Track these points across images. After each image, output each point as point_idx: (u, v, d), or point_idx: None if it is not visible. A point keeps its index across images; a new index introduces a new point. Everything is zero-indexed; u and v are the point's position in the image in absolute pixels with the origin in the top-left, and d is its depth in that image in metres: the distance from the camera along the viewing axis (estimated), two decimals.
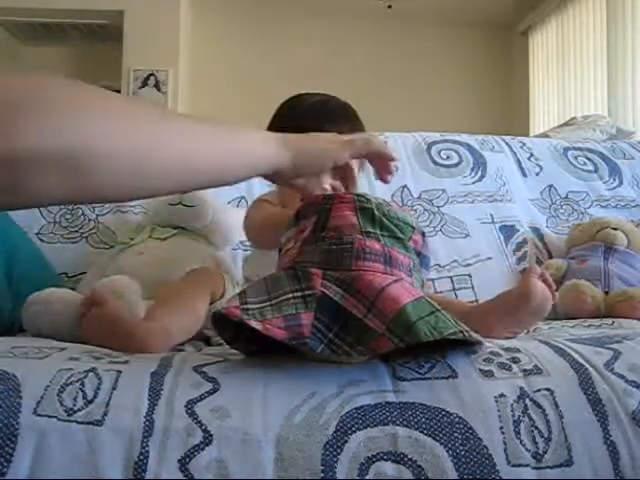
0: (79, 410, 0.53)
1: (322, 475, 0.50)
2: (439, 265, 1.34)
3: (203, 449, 0.51)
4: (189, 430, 0.52)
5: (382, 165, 0.82)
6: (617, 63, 4.02)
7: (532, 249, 1.42)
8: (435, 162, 1.55)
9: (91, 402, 0.53)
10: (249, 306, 0.60)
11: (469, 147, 1.61)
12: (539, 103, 5.34)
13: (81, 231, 1.35)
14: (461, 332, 0.59)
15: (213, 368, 0.59)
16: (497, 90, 5.92)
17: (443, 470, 0.51)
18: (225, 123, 0.71)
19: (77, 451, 0.50)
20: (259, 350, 0.63)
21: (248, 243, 1.19)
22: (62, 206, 1.35)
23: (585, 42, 4.57)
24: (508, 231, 1.43)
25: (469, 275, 1.34)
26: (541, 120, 5.25)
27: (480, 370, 0.59)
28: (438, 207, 1.45)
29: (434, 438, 0.52)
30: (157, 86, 5.16)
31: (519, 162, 1.61)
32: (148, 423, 0.52)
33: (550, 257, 1.41)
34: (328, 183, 0.79)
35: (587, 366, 0.60)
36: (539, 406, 0.55)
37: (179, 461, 0.50)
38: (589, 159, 1.66)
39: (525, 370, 0.59)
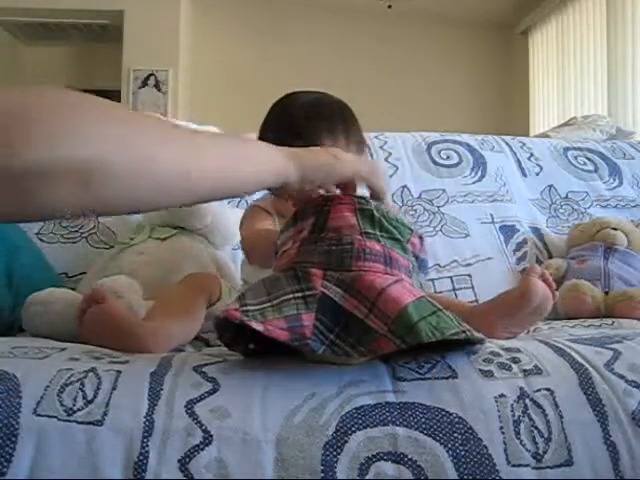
0: (79, 410, 0.53)
1: (322, 475, 0.50)
2: (439, 265, 1.34)
3: (203, 449, 0.51)
4: (189, 430, 0.52)
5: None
6: (617, 63, 4.02)
7: (532, 249, 1.42)
8: (435, 162, 1.55)
9: (91, 402, 0.53)
10: (249, 308, 0.60)
11: (469, 147, 1.61)
12: (539, 103, 5.34)
13: (81, 231, 1.35)
14: (463, 332, 0.59)
15: (213, 368, 0.59)
16: (497, 90, 5.92)
17: (443, 470, 0.51)
18: (234, 136, 0.72)
19: (77, 451, 0.50)
20: (258, 351, 0.63)
21: None
22: None
23: (585, 42, 4.57)
24: (508, 231, 1.43)
25: (469, 275, 1.34)
26: (541, 120, 5.26)
27: (480, 370, 0.59)
28: (438, 207, 1.45)
29: (434, 438, 0.52)
30: (157, 86, 5.16)
31: (519, 162, 1.61)
32: (148, 423, 0.52)
33: (550, 257, 1.41)
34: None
35: (587, 366, 0.60)
36: (539, 406, 0.55)
37: (179, 461, 0.50)
38: (589, 159, 1.66)
39: (525, 370, 0.59)
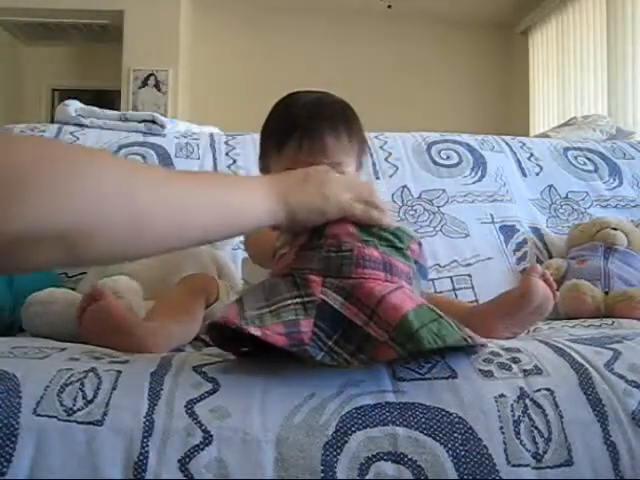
0: (79, 410, 0.53)
1: (322, 475, 0.50)
2: (439, 265, 1.34)
3: (203, 449, 0.51)
4: (189, 430, 0.52)
5: None
6: (617, 63, 4.02)
7: (532, 249, 1.42)
8: (435, 162, 1.55)
9: (91, 402, 0.53)
10: (247, 313, 0.60)
11: (469, 147, 1.61)
12: (539, 103, 5.34)
13: None
14: (464, 339, 0.59)
15: (213, 368, 0.59)
16: (497, 90, 5.92)
17: (443, 470, 0.51)
18: (226, 180, 0.72)
19: (77, 451, 0.50)
20: (252, 351, 0.63)
21: None
22: None
23: (585, 42, 4.57)
24: (508, 231, 1.43)
25: (469, 275, 1.34)
26: (541, 120, 5.25)
27: (480, 370, 0.59)
28: (438, 207, 1.45)
29: (434, 438, 0.52)
30: (157, 86, 5.16)
31: (519, 162, 1.61)
32: (148, 423, 0.52)
33: (550, 257, 1.41)
34: None
35: (587, 366, 0.60)
36: (539, 406, 0.55)
37: (179, 461, 0.50)
38: (589, 159, 1.66)
39: (525, 370, 0.59)
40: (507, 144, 1.66)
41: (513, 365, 0.60)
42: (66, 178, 0.50)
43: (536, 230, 1.46)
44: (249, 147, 1.53)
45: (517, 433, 0.53)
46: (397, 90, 5.66)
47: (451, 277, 1.33)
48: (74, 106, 1.62)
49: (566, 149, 1.68)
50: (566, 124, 2.07)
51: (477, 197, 1.49)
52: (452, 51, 5.88)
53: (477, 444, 0.52)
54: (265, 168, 1.01)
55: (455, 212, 1.45)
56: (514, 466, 0.52)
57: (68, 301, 0.91)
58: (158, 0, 5.05)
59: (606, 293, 1.20)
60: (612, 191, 1.58)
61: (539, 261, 1.40)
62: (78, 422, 0.52)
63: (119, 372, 0.58)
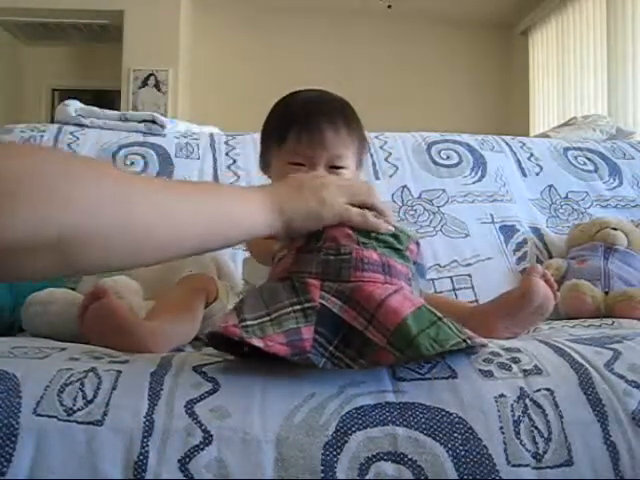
0: (79, 410, 0.53)
1: (322, 475, 0.50)
2: (439, 265, 1.34)
3: (203, 449, 0.51)
4: (189, 430, 0.52)
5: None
6: (617, 63, 4.02)
7: (532, 249, 1.42)
8: (435, 162, 1.55)
9: (91, 402, 0.53)
10: (248, 322, 0.59)
11: (469, 147, 1.61)
12: (539, 103, 5.34)
13: None
14: (463, 341, 0.58)
15: (213, 368, 0.59)
16: (497, 90, 5.92)
17: (443, 470, 0.51)
18: (221, 190, 0.72)
19: (77, 451, 0.50)
20: (252, 352, 0.63)
21: None
22: None
23: (585, 42, 4.57)
24: (508, 231, 1.43)
25: (469, 275, 1.34)
26: (541, 120, 5.26)
27: (480, 370, 0.59)
28: (438, 207, 1.45)
29: (434, 438, 0.52)
30: (157, 86, 5.16)
31: (519, 162, 1.61)
32: (148, 423, 0.52)
33: (550, 257, 1.41)
34: None
35: (587, 366, 0.60)
36: (539, 406, 0.55)
37: (179, 461, 0.50)
38: (589, 159, 1.66)
39: (525, 370, 0.59)
40: (507, 144, 1.66)
41: (513, 365, 0.60)
42: (59, 186, 0.50)
43: (536, 230, 1.46)
44: (249, 147, 1.53)
45: (517, 433, 0.53)
46: (397, 90, 5.67)
47: (451, 277, 1.33)
48: (74, 106, 1.62)
49: (566, 149, 1.68)
50: (566, 124, 2.07)
51: (477, 197, 1.49)
52: (452, 51, 5.88)
53: (477, 444, 0.52)
54: (266, 165, 1.01)
55: (455, 212, 1.45)
56: (514, 466, 0.52)
57: (68, 301, 0.91)
58: (158, 0, 5.05)
59: (606, 293, 1.20)
60: (612, 191, 1.58)
61: (539, 261, 1.40)
62: (78, 422, 0.52)
63: (119, 372, 0.58)
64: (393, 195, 1.46)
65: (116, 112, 1.67)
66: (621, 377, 0.58)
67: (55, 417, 0.52)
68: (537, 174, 1.59)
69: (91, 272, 0.60)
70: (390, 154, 1.56)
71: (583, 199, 1.55)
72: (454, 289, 1.31)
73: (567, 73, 4.82)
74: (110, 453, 0.50)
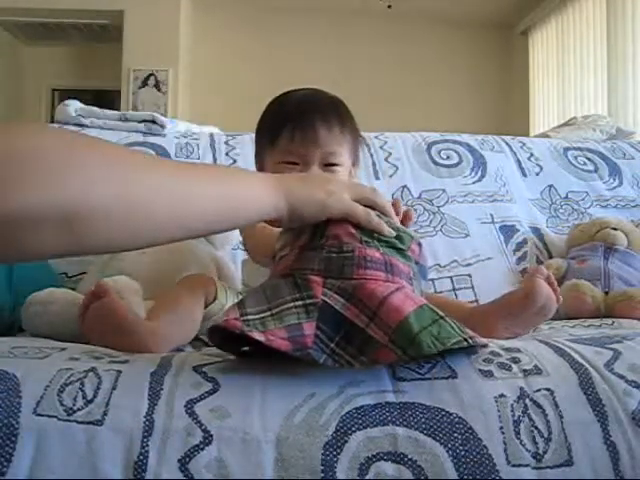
0: (79, 410, 0.52)
1: (322, 475, 0.50)
2: (439, 265, 1.34)
3: (203, 449, 0.51)
4: (189, 430, 0.52)
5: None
6: (617, 62, 4.02)
7: (532, 249, 1.42)
8: (435, 162, 1.55)
9: (91, 402, 0.53)
10: (249, 317, 0.59)
11: (469, 147, 1.61)
12: (539, 103, 5.34)
13: None
14: (465, 340, 0.58)
15: (213, 368, 0.59)
16: (497, 90, 5.93)
17: (443, 470, 0.51)
18: (228, 172, 0.72)
19: (77, 451, 0.50)
20: (251, 351, 0.63)
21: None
22: None
23: (585, 41, 4.57)
24: (508, 231, 1.43)
25: (469, 275, 1.34)
26: (541, 120, 5.26)
27: (480, 370, 0.59)
28: (438, 207, 1.45)
29: (434, 438, 0.52)
30: (157, 86, 5.16)
31: (519, 162, 1.62)
32: (148, 423, 0.52)
33: (550, 257, 1.41)
34: None
35: (587, 366, 0.60)
36: (539, 406, 0.55)
37: (179, 461, 0.50)
38: (589, 159, 1.66)
39: (525, 370, 0.59)
40: (507, 144, 1.67)
41: (513, 365, 0.60)
42: (63, 167, 0.51)
43: (536, 230, 1.46)
44: (249, 147, 1.53)
45: (517, 433, 0.53)
46: (397, 90, 5.67)
47: (451, 277, 1.33)
48: (74, 106, 1.62)
49: (566, 149, 1.68)
50: (566, 124, 2.07)
51: (477, 197, 1.49)
52: (452, 51, 5.88)
53: (477, 444, 0.52)
54: (260, 165, 1.02)
55: (455, 212, 1.45)
56: (514, 466, 0.52)
57: (68, 301, 0.91)
58: (158, 0, 5.05)
59: (606, 293, 1.20)
60: (612, 191, 1.58)
61: (539, 261, 1.40)
62: (78, 422, 0.52)
63: (119, 372, 0.58)
64: (393, 195, 1.46)
65: (116, 112, 1.67)
66: (621, 377, 0.58)
67: (55, 417, 0.52)
68: (537, 174, 1.60)
69: (94, 252, 0.60)
70: (390, 154, 1.56)
71: (583, 199, 1.56)
72: (454, 289, 1.31)
73: (567, 73, 4.82)
74: (110, 453, 0.50)
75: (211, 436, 0.51)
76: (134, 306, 0.89)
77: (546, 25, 5.27)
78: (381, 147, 1.58)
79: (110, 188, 0.53)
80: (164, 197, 0.58)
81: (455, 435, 0.53)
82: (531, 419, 0.54)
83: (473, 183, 1.52)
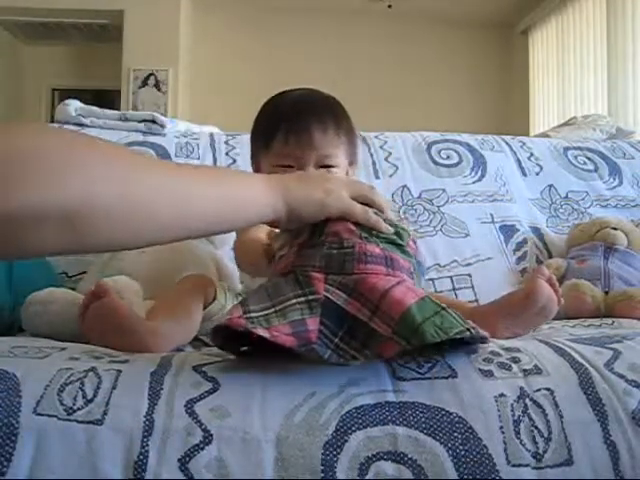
0: (79, 409, 0.53)
1: (322, 475, 0.50)
2: (439, 265, 1.34)
3: (203, 448, 0.51)
4: (189, 429, 0.52)
5: None
6: (617, 62, 4.02)
7: (532, 249, 1.42)
8: (435, 162, 1.55)
9: (91, 401, 0.53)
10: (252, 314, 0.60)
11: (469, 147, 1.61)
12: (539, 102, 5.34)
13: None
14: (467, 330, 0.59)
15: (213, 368, 0.59)
16: (497, 89, 5.93)
17: (443, 470, 0.51)
18: (227, 173, 0.72)
19: (77, 450, 0.50)
20: (251, 350, 0.63)
21: None
22: None
23: (585, 41, 4.57)
24: (508, 231, 1.43)
25: (469, 275, 1.34)
26: (541, 120, 5.26)
27: (480, 370, 0.59)
28: (438, 207, 1.45)
29: (434, 438, 0.52)
30: (157, 86, 5.16)
31: (519, 162, 1.61)
32: (148, 422, 0.52)
33: (550, 257, 1.41)
34: None
35: (587, 366, 0.60)
36: (539, 406, 0.55)
37: (179, 460, 0.50)
38: (589, 159, 1.66)
39: (525, 370, 0.59)
40: (507, 144, 1.66)
41: (513, 365, 0.60)
42: (64, 167, 0.51)
43: (536, 230, 1.46)
44: (249, 147, 1.53)
45: (517, 433, 0.53)
46: (397, 90, 5.67)
47: (451, 277, 1.33)
48: (74, 106, 1.62)
49: (566, 149, 1.68)
50: (566, 124, 2.07)
51: (477, 197, 1.49)
52: (452, 51, 5.88)
53: (477, 444, 0.52)
54: (257, 167, 1.01)
55: (455, 212, 1.45)
56: (514, 466, 0.52)
57: (68, 301, 0.91)
58: (158, 0, 5.05)
59: (606, 293, 1.20)
60: (612, 191, 1.58)
61: (539, 261, 1.40)
62: (78, 421, 0.52)
63: (119, 371, 0.58)
64: (393, 195, 1.46)
65: (116, 112, 1.67)
66: (621, 377, 0.58)
67: (55, 416, 0.52)
68: (537, 174, 1.59)
69: (95, 250, 0.61)
70: (390, 154, 1.56)
71: (583, 199, 1.55)
72: (454, 289, 1.31)
73: (567, 72, 4.82)
74: (110, 452, 0.50)
75: (211, 436, 0.51)
76: (134, 306, 0.89)
77: (546, 25, 5.27)
78: (381, 147, 1.58)
79: (111, 187, 0.53)
80: (165, 197, 0.58)
81: (455, 435, 0.53)
82: (531, 419, 0.54)
83: (473, 183, 1.52)
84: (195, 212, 0.61)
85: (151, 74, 5.16)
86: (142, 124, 1.61)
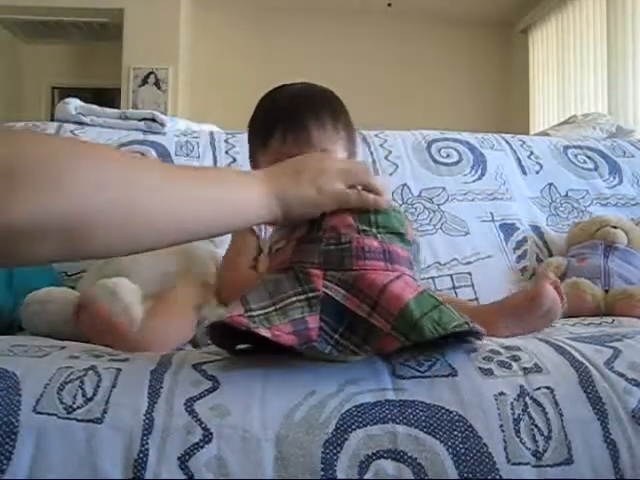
0: (79, 408, 0.52)
1: (322, 474, 0.50)
2: (439, 263, 1.34)
3: (203, 447, 0.51)
4: (189, 428, 0.52)
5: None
6: (617, 61, 4.02)
7: (532, 247, 1.42)
8: (435, 160, 1.55)
9: (91, 400, 0.53)
10: (253, 313, 0.60)
11: (469, 145, 1.60)
12: (539, 101, 5.34)
13: None
14: (465, 323, 0.59)
15: (212, 366, 0.59)
16: (497, 88, 5.92)
17: (443, 468, 0.51)
18: (222, 175, 0.71)
19: (77, 449, 0.50)
20: (249, 349, 0.63)
21: None
22: None
23: (585, 40, 4.56)
24: (508, 229, 1.43)
25: (469, 273, 1.34)
26: (541, 118, 5.25)
27: (480, 368, 0.59)
28: (438, 205, 1.45)
29: (434, 436, 0.52)
30: (157, 84, 5.16)
31: (519, 160, 1.61)
32: (148, 421, 0.52)
33: (550, 255, 1.41)
34: None
35: (587, 364, 0.60)
36: (539, 404, 0.55)
37: (179, 459, 0.50)
38: (589, 157, 1.66)
39: (525, 368, 0.59)
40: (507, 142, 1.66)
41: (513, 363, 0.60)
42: (62, 175, 0.51)
43: (536, 228, 1.46)
44: None
45: (517, 431, 0.53)
46: (397, 89, 5.66)
47: (451, 275, 1.33)
48: (74, 104, 1.62)
49: (566, 147, 1.68)
50: (566, 122, 2.07)
51: (477, 195, 1.49)
52: (452, 50, 5.88)
53: (477, 442, 0.52)
54: (255, 164, 1.01)
55: (455, 210, 1.45)
56: (514, 464, 0.52)
57: (67, 300, 0.91)
58: None
59: (606, 291, 1.20)
60: (612, 189, 1.58)
61: (539, 259, 1.40)
62: (78, 420, 0.51)
63: (119, 370, 0.58)
64: (393, 193, 1.46)
65: (116, 110, 1.67)
66: (621, 375, 0.58)
67: (55, 415, 0.52)
68: (537, 172, 1.59)
69: (94, 257, 0.61)
70: (390, 152, 1.56)
71: (583, 197, 1.55)
72: (454, 287, 1.31)
73: (567, 71, 4.82)
74: (110, 451, 0.50)
75: (211, 434, 0.51)
76: (131, 306, 0.88)
77: (546, 23, 5.27)
78: (381, 145, 1.58)
79: (106, 193, 0.53)
80: (162, 200, 0.58)
81: (455, 433, 0.53)
82: (531, 417, 0.54)
83: (473, 181, 1.52)
84: (194, 215, 0.61)
85: (151, 72, 5.15)
86: (142, 123, 1.61)
